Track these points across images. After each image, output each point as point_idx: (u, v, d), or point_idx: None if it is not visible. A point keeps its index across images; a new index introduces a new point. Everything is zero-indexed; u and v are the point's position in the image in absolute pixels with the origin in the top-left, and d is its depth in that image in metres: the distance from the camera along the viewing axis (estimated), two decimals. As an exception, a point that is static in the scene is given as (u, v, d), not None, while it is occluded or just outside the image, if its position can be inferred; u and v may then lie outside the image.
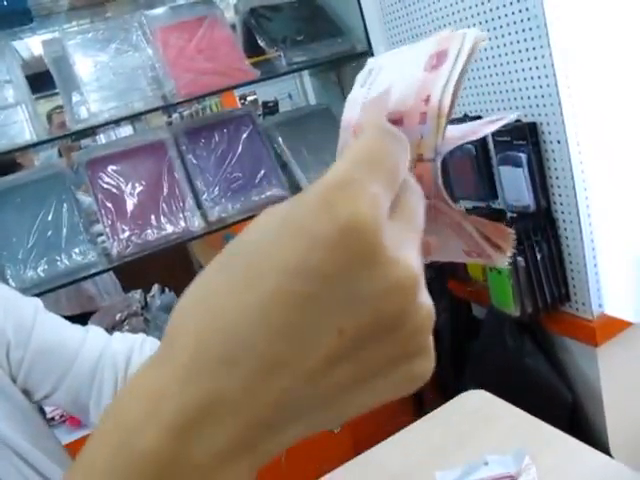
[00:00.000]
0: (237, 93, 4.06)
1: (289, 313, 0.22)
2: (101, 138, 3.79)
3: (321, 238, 0.22)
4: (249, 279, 0.23)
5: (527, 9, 1.31)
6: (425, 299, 0.24)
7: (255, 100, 3.82)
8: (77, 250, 1.63)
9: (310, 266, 0.22)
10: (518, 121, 1.43)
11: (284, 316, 0.22)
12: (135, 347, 0.77)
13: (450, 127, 0.32)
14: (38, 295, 1.57)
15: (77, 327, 0.77)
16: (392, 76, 0.35)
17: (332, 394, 0.24)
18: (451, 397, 1.18)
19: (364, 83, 0.36)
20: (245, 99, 4.37)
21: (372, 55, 1.85)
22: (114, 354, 0.75)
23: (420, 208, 0.27)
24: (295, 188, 1.82)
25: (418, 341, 0.25)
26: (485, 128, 0.35)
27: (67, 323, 0.77)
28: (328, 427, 0.26)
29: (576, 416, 1.56)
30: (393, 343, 0.24)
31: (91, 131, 1.84)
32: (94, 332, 0.77)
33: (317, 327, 0.23)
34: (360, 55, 1.86)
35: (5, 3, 1.59)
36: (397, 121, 0.32)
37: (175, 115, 4.43)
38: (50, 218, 1.64)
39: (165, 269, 2.35)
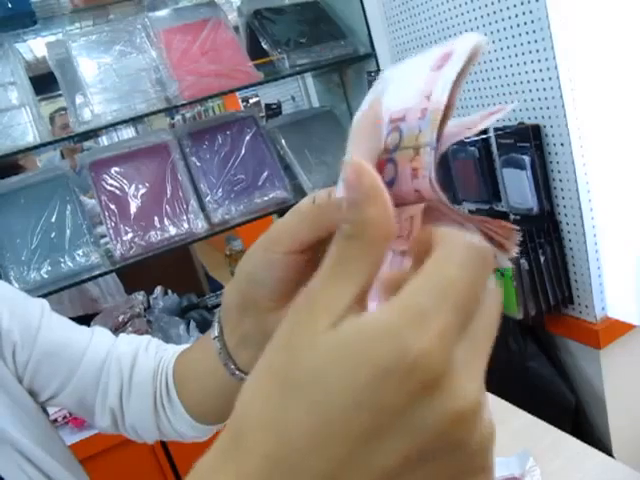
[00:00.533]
0: (239, 95, 4.07)
1: (357, 442, 0.23)
2: (103, 140, 3.81)
3: (388, 372, 0.22)
4: (315, 407, 0.24)
5: (531, 12, 1.31)
6: (487, 421, 0.25)
7: (258, 102, 3.83)
8: (80, 252, 1.63)
9: (379, 400, 0.23)
10: (521, 123, 1.43)
11: (352, 443, 0.23)
12: (141, 348, 0.77)
13: (449, 122, 0.33)
14: (41, 297, 1.57)
15: (83, 328, 0.77)
16: (402, 80, 0.35)
17: None
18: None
19: (375, 91, 0.36)
20: (247, 101, 4.38)
21: (375, 58, 1.85)
22: (120, 355, 0.75)
23: (492, 327, 0.26)
24: (298, 190, 1.82)
25: (478, 463, 0.25)
26: (484, 121, 0.36)
27: (73, 324, 0.77)
28: None
29: (579, 418, 1.56)
30: (455, 464, 0.24)
31: (94, 133, 1.84)
32: (100, 333, 0.77)
33: (381, 447, 0.23)
34: (363, 58, 1.87)
35: (9, 5, 1.59)
36: (400, 119, 0.33)
37: (178, 117, 4.45)
38: (54, 220, 1.65)
39: (168, 271, 2.35)
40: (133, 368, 0.74)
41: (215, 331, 0.55)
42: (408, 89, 0.33)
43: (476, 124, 0.36)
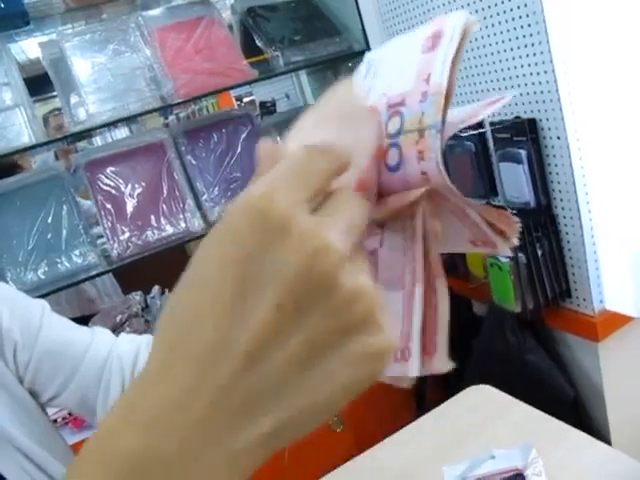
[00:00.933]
0: (233, 94, 4.06)
1: (225, 297, 0.25)
2: (97, 140, 3.79)
3: (241, 227, 0.25)
4: (195, 276, 0.26)
5: (526, 5, 1.31)
6: (359, 275, 0.26)
7: (252, 101, 3.82)
8: (77, 252, 1.63)
9: (233, 252, 0.25)
10: (517, 117, 1.44)
11: (221, 301, 0.25)
12: (142, 348, 0.77)
13: (450, 111, 0.33)
14: (40, 297, 1.56)
15: (84, 328, 0.77)
16: (392, 63, 0.35)
17: (283, 375, 0.25)
18: (452, 394, 1.18)
19: (366, 74, 0.36)
20: (241, 100, 4.37)
21: (370, 54, 1.85)
22: (121, 355, 0.75)
23: (358, 213, 0.28)
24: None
25: (358, 312, 0.25)
26: (485, 110, 0.36)
27: (74, 324, 0.77)
28: (305, 423, 0.26)
29: (578, 411, 1.56)
30: (329, 313, 0.25)
31: (89, 133, 1.84)
32: (101, 333, 0.77)
33: (253, 305, 0.24)
34: (358, 54, 1.86)
35: (2, 5, 1.58)
36: (399, 103, 0.33)
37: (172, 117, 4.43)
38: (50, 220, 1.64)
39: (164, 270, 2.34)
40: (135, 366, 0.74)
41: None
42: (402, 72, 0.33)
43: (478, 113, 0.36)
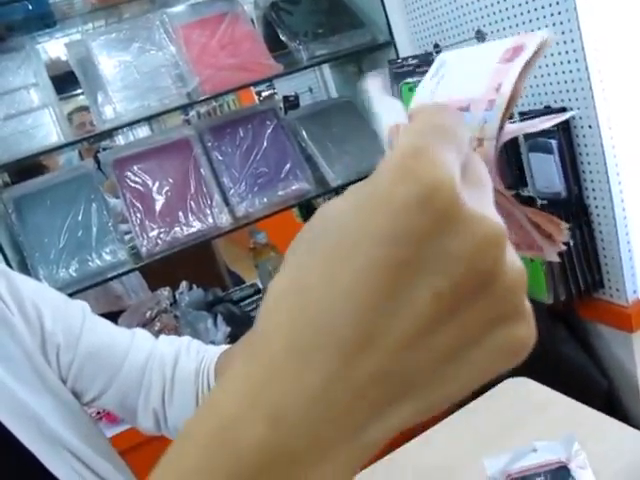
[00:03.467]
0: (254, 89, 4.06)
1: (382, 282, 0.22)
2: (119, 139, 3.82)
3: (405, 203, 0.22)
4: (338, 257, 0.23)
5: (555, -7, 1.29)
6: (514, 257, 0.24)
7: (272, 95, 3.82)
8: (107, 249, 1.64)
9: (398, 232, 0.22)
10: (548, 107, 1.42)
11: (376, 285, 0.22)
12: (182, 350, 0.77)
13: (508, 125, 0.33)
14: (71, 295, 1.58)
15: (124, 330, 0.78)
16: (465, 68, 0.35)
17: (432, 366, 0.23)
18: (487, 388, 1.18)
19: (435, 74, 0.36)
20: (260, 94, 4.37)
21: (394, 46, 1.84)
22: (161, 356, 0.75)
23: (487, 176, 0.27)
24: (321, 181, 1.81)
25: (512, 301, 0.24)
26: (543, 124, 0.36)
27: (114, 326, 0.78)
28: (434, 410, 0.24)
29: (612, 403, 1.55)
30: (487, 303, 0.23)
31: (116, 131, 1.85)
32: (140, 334, 0.78)
33: (412, 292, 0.22)
34: (382, 46, 1.85)
35: (30, 7, 1.60)
36: (463, 108, 0.33)
37: (192, 113, 4.45)
38: (80, 218, 1.66)
39: (189, 266, 2.36)
40: (175, 368, 0.75)
41: None
42: (473, 78, 0.33)
43: (535, 126, 0.36)
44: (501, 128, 0.32)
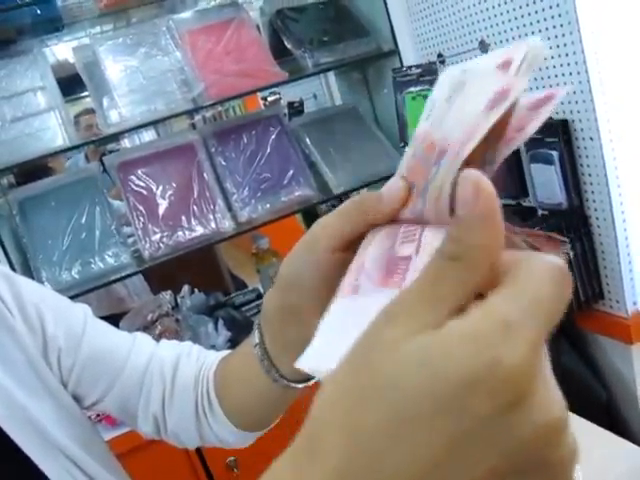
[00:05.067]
0: (259, 94, 4.07)
1: (440, 451, 0.23)
2: (125, 142, 3.84)
3: (476, 380, 0.22)
4: (394, 412, 0.23)
5: (558, 5, 1.30)
6: (571, 437, 0.25)
7: (277, 100, 3.83)
8: (110, 252, 1.66)
9: (465, 407, 0.22)
10: (549, 118, 1.42)
11: (435, 454, 0.23)
12: (182, 355, 0.77)
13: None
14: (73, 297, 1.60)
15: (125, 334, 0.78)
16: (465, 100, 0.33)
17: None
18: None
19: (449, 98, 0.33)
20: (266, 100, 4.38)
21: (399, 54, 1.85)
22: (162, 361, 0.76)
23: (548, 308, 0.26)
24: (323, 188, 1.82)
25: (562, 475, 0.25)
26: (534, 115, 0.34)
27: (115, 330, 0.78)
28: None
29: (611, 415, 1.55)
30: (538, 478, 0.24)
31: (122, 135, 1.87)
32: (142, 339, 0.78)
33: (471, 462, 0.23)
34: (386, 54, 1.86)
35: (38, 11, 1.61)
36: (444, 151, 0.31)
37: (198, 117, 4.46)
38: (84, 221, 1.67)
39: (192, 270, 2.37)
40: (175, 374, 0.75)
41: (255, 338, 0.56)
42: (461, 120, 0.31)
43: (524, 124, 0.34)
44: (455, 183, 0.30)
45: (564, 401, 0.24)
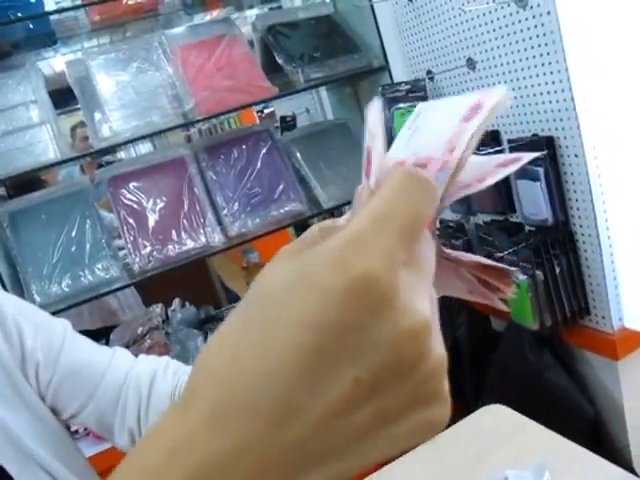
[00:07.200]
0: (255, 107, 4.10)
1: (305, 363, 0.23)
2: (121, 154, 3.86)
3: (335, 292, 0.23)
4: (266, 330, 0.24)
5: (542, 24, 1.32)
6: (438, 345, 0.25)
7: (272, 112, 3.86)
8: (100, 265, 1.66)
9: (324, 319, 0.23)
10: (535, 135, 1.44)
11: (300, 366, 0.23)
12: (159, 369, 0.78)
13: (472, 157, 0.33)
14: (63, 310, 1.60)
15: (104, 348, 0.79)
16: (433, 123, 0.35)
17: (349, 442, 0.24)
18: (470, 412, 1.18)
19: (411, 126, 0.35)
20: (262, 112, 4.42)
21: (389, 70, 1.86)
22: (138, 375, 0.77)
23: (432, 257, 0.28)
24: (313, 202, 1.83)
25: (432, 387, 0.25)
26: (497, 173, 0.35)
27: (95, 344, 0.79)
28: (346, 476, 0.26)
29: (598, 431, 1.55)
30: (407, 389, 0.25)
31: (113, 149, 1.88)
32: (120, 353, 0.79)
33: (332, 376, 0.23)
34: (377, 70, 1.88)
35: (31, 26, 1.63)
36: (422, 165, 0.33)
37: (193, 130, 4.49)
38: (74, 234, 1.68)
39: (184, 282, 2.37)
40: (151, 389, 0.76)
41: None
42: (435, 135, 0.33)
43: (487, 175, 0.35)
44: (445, 193, 0.32)
45: (429, 311, 0.25)
